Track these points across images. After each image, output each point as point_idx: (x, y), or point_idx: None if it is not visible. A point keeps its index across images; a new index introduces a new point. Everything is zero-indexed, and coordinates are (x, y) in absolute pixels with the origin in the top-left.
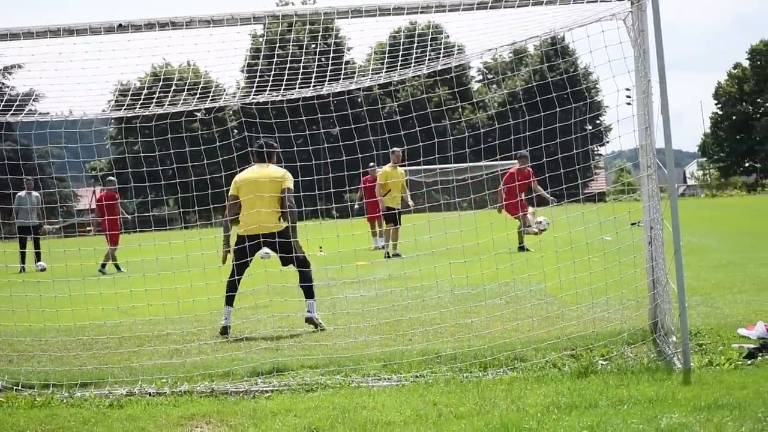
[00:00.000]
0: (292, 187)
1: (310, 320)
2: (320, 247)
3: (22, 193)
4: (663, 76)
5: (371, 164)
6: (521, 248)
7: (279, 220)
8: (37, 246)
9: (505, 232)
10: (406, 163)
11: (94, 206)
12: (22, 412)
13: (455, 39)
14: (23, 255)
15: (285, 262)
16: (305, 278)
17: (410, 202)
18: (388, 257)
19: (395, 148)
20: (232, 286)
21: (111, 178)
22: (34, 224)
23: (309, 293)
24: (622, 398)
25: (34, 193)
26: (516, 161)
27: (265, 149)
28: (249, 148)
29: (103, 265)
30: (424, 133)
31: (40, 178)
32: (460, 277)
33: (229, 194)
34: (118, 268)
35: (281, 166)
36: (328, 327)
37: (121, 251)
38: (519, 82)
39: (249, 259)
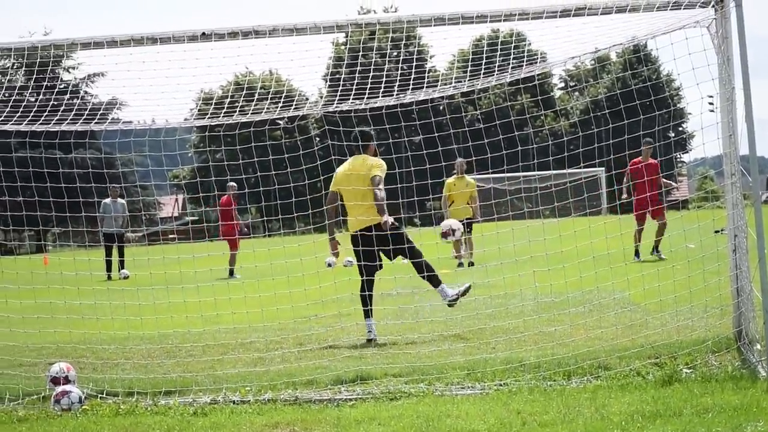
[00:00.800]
0: (380, 175)
1: (456, 298)
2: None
3: (107, 201)
4: (747, 83)
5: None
6: (655, 252)
7: (376, 213)
8: (121, 254)
9: (588, 240)
10: (490, 170)
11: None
12: (107, 419)
13: (538, 46)
14: (109, 263)
15: (392, 255)
16: (421, 268)
17: (477, 215)
18: (461, 267)
19: (458, 159)
20: (364, 295)
21: (231, 183)
22: (120, 232)
23: (435, 281)
24: (707, 407)
25: (120, 201)
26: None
27: (360, 141)
28: (332, 156)
29: (231, 271)
30: (507, 141)
31: (123, 186)
32: (544, 286)
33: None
34: (231, 273)
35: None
36: (412, 335)
37: (205, 259)
38: (602, 89)
39: (377, 261)
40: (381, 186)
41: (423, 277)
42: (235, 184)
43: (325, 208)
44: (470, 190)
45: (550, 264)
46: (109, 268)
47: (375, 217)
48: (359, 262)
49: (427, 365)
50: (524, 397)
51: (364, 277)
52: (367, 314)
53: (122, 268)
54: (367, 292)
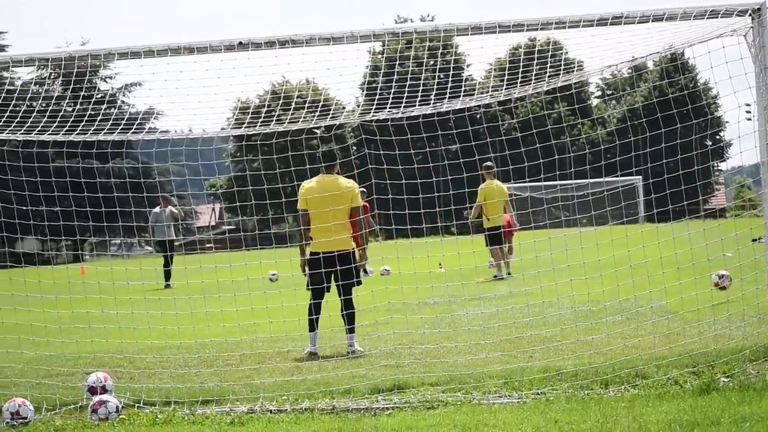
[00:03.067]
0: (360, 203)
1: (358, 352)
2: (440, 264)
3: (157, 209)
4: None
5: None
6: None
7: (348, 238)
8: (170, 263)
9: (625, 249)
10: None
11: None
12: (144, 429)
13: (574, 55)
14: (168, 273)
15: (341, 287)
16: (351, 306)
17: (515, 222)
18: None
19: (486, 162)
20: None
21: (362, 189)
22: (171, 239)
23: (351, 321)
24: (745, 415)
25: (170, 209)
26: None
27: (325, 161)
28: (369, 165)
29: (364, 270)
30: (544, 150)
31: (161, 196)
32: (581, 294)
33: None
34: (365, 271)
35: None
36: (449, 344)
37: (242, 269)
38: (639, 98)
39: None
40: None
41: (347, 317)
42: (365, 190)
43: (302, 228)
44: (504, 198)
45: (588, 272)
46: (168, 278)
47: (347, 244)
48: (313, 286)
49: (465, 374)
50: (562, 406)
51: (313, 301)
52: (313, 327)
53: (168, 278)
54: (314, 315)
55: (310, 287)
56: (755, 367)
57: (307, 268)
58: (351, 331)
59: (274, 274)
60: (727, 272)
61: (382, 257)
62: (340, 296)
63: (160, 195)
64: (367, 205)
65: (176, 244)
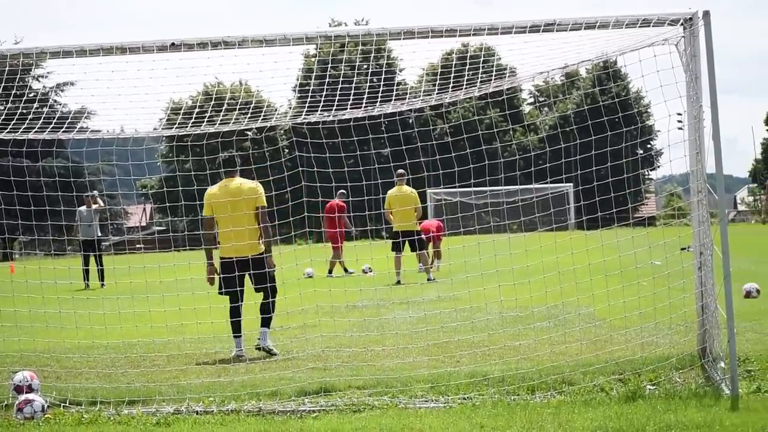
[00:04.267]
0: (265, 203)
1: (262, 349)
2: (370, 268)
3: (82, 208)
4: (715, 102)
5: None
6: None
7: (258, 242)
8: (100, 263)
9: (554, 255)
10: (458, 184)
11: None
12: (69, 428)
13: (507, 61)
14: (86, 272)
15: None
16: (270, 308)
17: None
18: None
19: (399, 170)
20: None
21: (342, 191)
22: (98, 238)
23: (267, 322)
24: (670, 423)
25: (95, 207)
26: None
27: (230, 166)
28: (299, 167)
29: (330, 271)
30: (475, 155)
31: (86, 195)
32: (509, 299)
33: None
34: (345, 270)
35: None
36: (377, 347)
37: (171, 269)
38: (570, 105)
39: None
40: (267, 218)
41: (262, 313)
42: (345, 191)
43: (204, 233)
44: (411, 204)
45: (516, 278)
46: (86, 277)
47: (257, 248)
48: (227, 289)
49: (392, 378)
50: (488, 411)
51: (231, 305)
52: (237, 330)
53: (102, 278)
54: (234, 318)
55: (223, 291)
56: (681, 375)
57: (216, 275)
58: (265, 323)
59: (309, 272)
60: (757, 285)
61: (310, 260)
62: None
63: (85, 194)
64: (344, 204)
65: (104, 244)
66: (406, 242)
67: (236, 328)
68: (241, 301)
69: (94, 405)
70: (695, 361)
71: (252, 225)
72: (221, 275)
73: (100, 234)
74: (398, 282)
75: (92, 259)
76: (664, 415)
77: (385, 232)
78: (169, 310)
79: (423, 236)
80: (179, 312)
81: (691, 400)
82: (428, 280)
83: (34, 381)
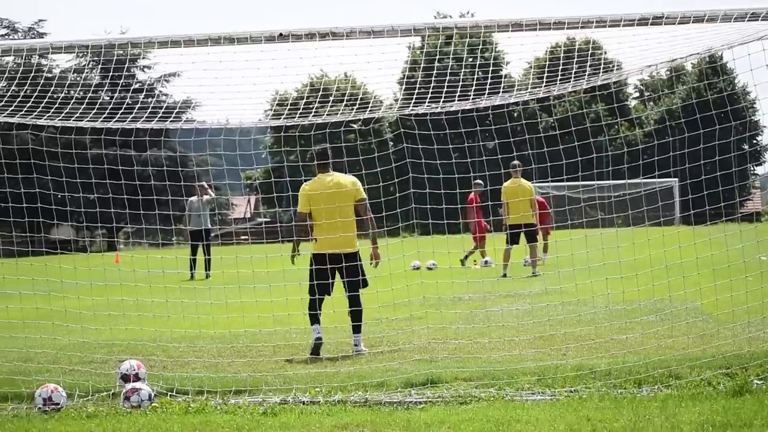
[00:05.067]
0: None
1: (362, 352)
2: (475, 260)
3: (193, 198)
4: None
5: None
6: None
7: (354, 236)
8: (208, 253)
9: (661, 249)
10: (564, 177)
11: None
12: (176, 417)
13: (613, 55)
14: (194, 261)
15: (348, 287)
16: (360, 314)
17: (536, 222)
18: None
19: (513, 161)
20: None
21: (478, 180)
22: (206, 228)
23: (359, 328)
24: None
25: (206, 197)
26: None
27: (322, 159)
28: (406, 159)
29: (466, 258)
30: (581, 149)
31: (197, 184)
32: (616, 293)
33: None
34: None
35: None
36: (483, 340)
37: (277, 260)
38: (677, 99)
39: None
40: (370, 210)
41: (355, 319)
42: (481, 181)
43: (297, 225)
44: (529, 196)
45: (623, 272)
46: (193, 267)
47: (353, 244)
48: (318, 281)
49: (498, 370)
50: (594, 404)
51: (317, 296)
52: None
53: (209, 268)
54: (313, 312)
55: (314, 283)
56: None
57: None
58: (357, 330)
59: (433, 264)
60: None
61: (417, 251)
62: (346, 293)
63: (197, 184)
64: (476, 196)
65: (212, 234)
66: (521, 234)
67: (314, 320)
68: (329, 295)
69: (201, 394)
70: None
71: (349, 218)
72: (314, 268)
73: (210, 224)
74: (504, 275)
75: (200, 249)
76: None
77: (492, 224)
78: (276, 300)
79: (539, 227)
80: (286, 302)
81: None
82: (533, 274)
83: (141, 370)
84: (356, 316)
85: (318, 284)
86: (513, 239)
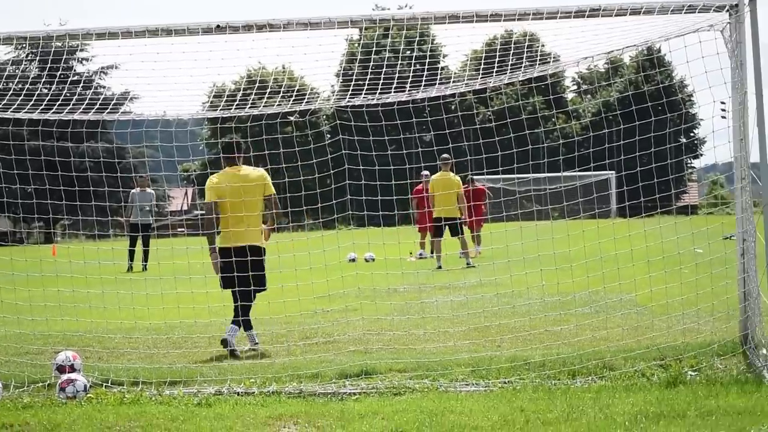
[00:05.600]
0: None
1: (253, 348)
2: (410, 252)
3: (135, 191)
4: (760, 88)
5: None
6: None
7: (259, 231)
8: (146, 244)
9: (596, 241)
10: (500, 169)
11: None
12: (111, 408)
13: (551, 48)
14: (132, 253)
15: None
16: (248, 309)
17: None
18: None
19: (444, 154)
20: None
21: (425, 172)
22: (147, 222)
23: (248, 324)
24: (711, 409)
25: (148, 191)
26: None
27: (236, 152)
28: (342, 151)
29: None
30: (518, 141)
31: (137, 176)
32: (551, 285)
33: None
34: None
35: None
36: (418, 331)
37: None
38: (614, 92)
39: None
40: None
41: (243, 313)
42: (428, 172)
43: (206, 218)
44: (454, 190)
45: (558, 264)
46: (131, 258)
47: (259, 238)
48: (225, 281)
49: (432, 361)
50: (528, 396)
51: (230, 289)
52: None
53: (146, 259)
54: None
55: (221, 276)
56: (722, 362)
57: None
58: (248, 326)
59: (371, 256)
60: None
61: (352, 243)
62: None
63: (138, 176)
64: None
65: (152, 226)
66: (447, 227)
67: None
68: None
69: (136, 385)
70: (737, 348)
71: (255, 213)
72: (220, 261)
73: (151, 218)
74: (439, 267)
75: (138, 241)
76: (705, 401)
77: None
78: (212, 292)
79: (464, 221)
80: (221, 294)
81: (733, 387)
82: (468, 265)
83: (76, 361)
84: (244, 310)
85: (225, 278)
86: (437, 232)
